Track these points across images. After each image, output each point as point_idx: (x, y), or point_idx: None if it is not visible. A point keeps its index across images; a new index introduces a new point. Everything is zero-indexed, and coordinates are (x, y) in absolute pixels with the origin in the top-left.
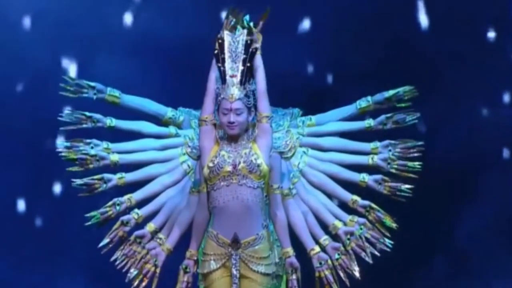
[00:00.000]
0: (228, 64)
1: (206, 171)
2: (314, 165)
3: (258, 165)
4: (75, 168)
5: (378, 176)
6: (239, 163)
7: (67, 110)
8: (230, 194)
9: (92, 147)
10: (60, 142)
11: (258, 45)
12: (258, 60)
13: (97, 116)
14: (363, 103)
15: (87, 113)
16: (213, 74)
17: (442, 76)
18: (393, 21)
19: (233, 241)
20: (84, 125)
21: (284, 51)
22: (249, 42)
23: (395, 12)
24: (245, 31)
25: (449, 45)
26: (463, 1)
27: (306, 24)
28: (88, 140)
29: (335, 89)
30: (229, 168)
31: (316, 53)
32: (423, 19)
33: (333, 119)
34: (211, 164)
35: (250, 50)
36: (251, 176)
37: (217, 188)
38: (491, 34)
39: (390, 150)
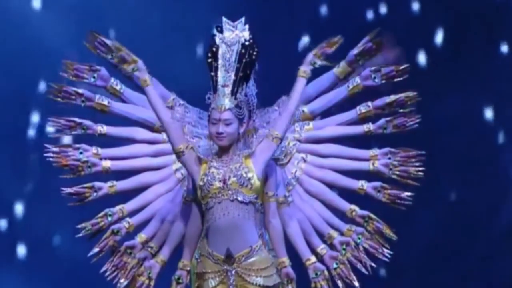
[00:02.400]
0: (220, 73)
1: (198, 192)
2: (312, 173)
3: (249, 179)
4: (67, 175)
5: (377, 183)
6: (229, 177)
7: (54, 117)
8: (221, 211)
9: (81, 153)
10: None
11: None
12: (301, 83)
13: (87, 122)
14: (363, 108)
15: (77, 119)
16: (160, 104)
17: (453, 92)
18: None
19: (226, 256)
20: (74, 132)
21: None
22: (243, 51)
23: (402, 22)
24: (241, 39)
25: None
26: (474, 14)
27: (305, 39)
28: (77, 145)
29: None
30: (219, 184)
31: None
32: (438, 35)
33: (332, 125)
34: (201, 183)
35: (244, 60)
36: (242, 191)
37: (210, 207)
38: (504, 48)
39: (389, 158)
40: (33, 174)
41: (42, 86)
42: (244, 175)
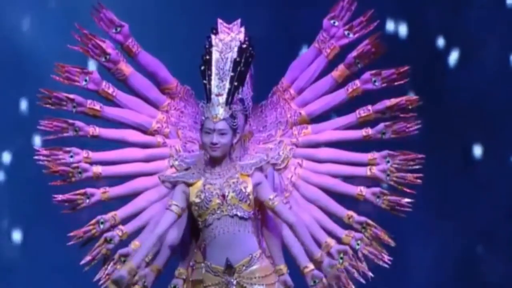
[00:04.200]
0: (214, 81)
1: (193, 209)
2: (309, 178)
3: (248, 194)
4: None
5: (377, 189)
6: (228, 193)
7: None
8: (221, 228)
9: (71, 156)
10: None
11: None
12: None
13: (80, 124)
14: (363, 112)
15: (69, 120)
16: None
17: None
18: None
19: (226, 267)
20: (66, 134)
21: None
22: (238, 59)
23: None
24: (235, 45)
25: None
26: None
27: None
28: (67, 148)
29: None
30: (218, 200)
31: None
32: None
33: (331, 128)
34: (198, 200)
35: (239, 68)
36: (242, 206)
37: (208, 224)
38: None
39: (388, 161)
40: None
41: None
42: (243, 190)
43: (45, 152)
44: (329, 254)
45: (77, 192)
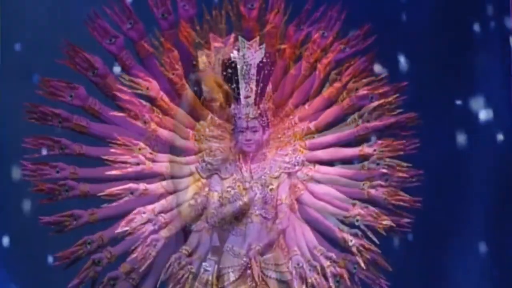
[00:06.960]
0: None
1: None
2: (306, 200)
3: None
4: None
5: (373, 209)
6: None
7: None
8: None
9: (58, 171)
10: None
11: None
12: None
13: (65, 141)
14: (362, 131)
15: (55, 138)
16: None
17: None
18: None
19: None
20: (51, 152)
21: None
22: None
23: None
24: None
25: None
26: None
27: None
28: (54, 164)
29: None
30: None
31: None
32: None
33: (328, 144)
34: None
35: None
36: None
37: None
38: None
39: (387, 180)
40: None
41: None
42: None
43: (31, 166)
44: (324, 277)
45: (64, 214)
